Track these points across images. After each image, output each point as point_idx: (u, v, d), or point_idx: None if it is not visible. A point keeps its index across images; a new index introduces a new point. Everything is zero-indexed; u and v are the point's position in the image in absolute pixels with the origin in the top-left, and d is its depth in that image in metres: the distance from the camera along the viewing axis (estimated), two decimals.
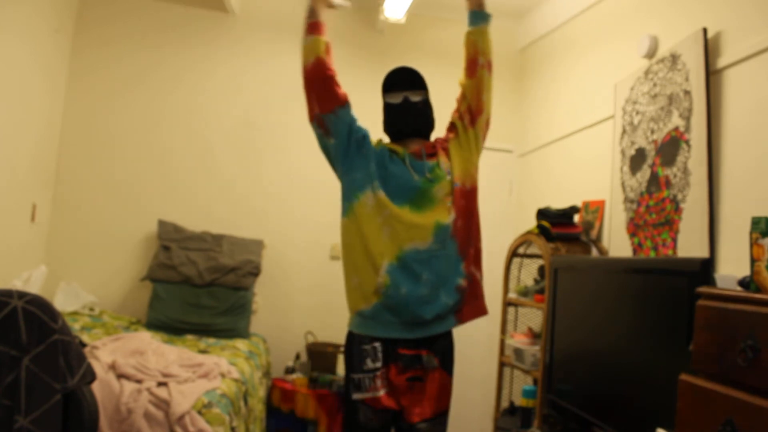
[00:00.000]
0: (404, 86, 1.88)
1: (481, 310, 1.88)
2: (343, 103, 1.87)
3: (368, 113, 3.83)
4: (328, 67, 1.88)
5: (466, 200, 1.87)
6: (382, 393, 1.75)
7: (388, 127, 1.94)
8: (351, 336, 1.83)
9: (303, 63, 1.91)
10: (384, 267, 1.74)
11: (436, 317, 1.77)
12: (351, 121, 1.88)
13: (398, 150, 1.87)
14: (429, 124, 1.95)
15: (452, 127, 1.98)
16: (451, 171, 1.87)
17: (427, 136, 1.95)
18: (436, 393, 1.80)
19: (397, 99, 1.88)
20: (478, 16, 1.93)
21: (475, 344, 4.04)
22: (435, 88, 4.49)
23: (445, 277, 1.78)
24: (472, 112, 1.93)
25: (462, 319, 1.85)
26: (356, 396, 1.76)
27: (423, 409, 1.78)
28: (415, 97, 1.87)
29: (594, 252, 2.94)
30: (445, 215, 1.80)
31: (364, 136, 1.88)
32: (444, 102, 4.23)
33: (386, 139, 2.00)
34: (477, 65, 1.90)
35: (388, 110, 1.91)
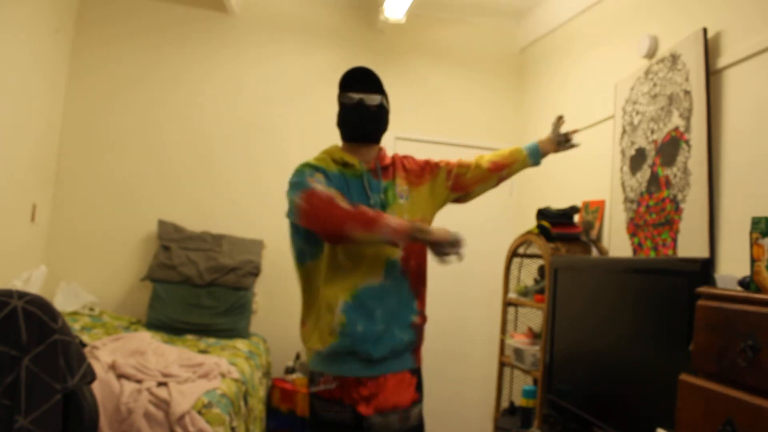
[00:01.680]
0: (361, 87, 1.80)
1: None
2: None
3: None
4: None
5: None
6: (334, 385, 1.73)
7: (341, 127, 1.86)
8: (311, 374, 1.80)
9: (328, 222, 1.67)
10: (339, 306, 1.71)
11: (391, 353, 1.74)
12: None
13: (355, 164, 1.80)
14: (382, 129, 1.85)
15: (435, 170, 1.92)
16: (409, 202, 1.82)
17: (378, 140, 1.87)
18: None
19: (352, 100, 1.79)
20: (537, 158, 2.01)
21: (475, 344, 4.04)
22: (434, 88, 4.50)
23: (397, 313, 1.75)
24: (462, 187, 1.93)
25: (417, 360, 1.83)
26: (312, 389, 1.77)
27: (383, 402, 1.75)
28: (372, 101, 1.78)
29: (594, 252, 2.94)
30: (393, 249, 1.74)
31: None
32: (442, 101, 4.26)
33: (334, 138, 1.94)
34: (500, 175, 1.96)
35: (343, 110, 1.83)
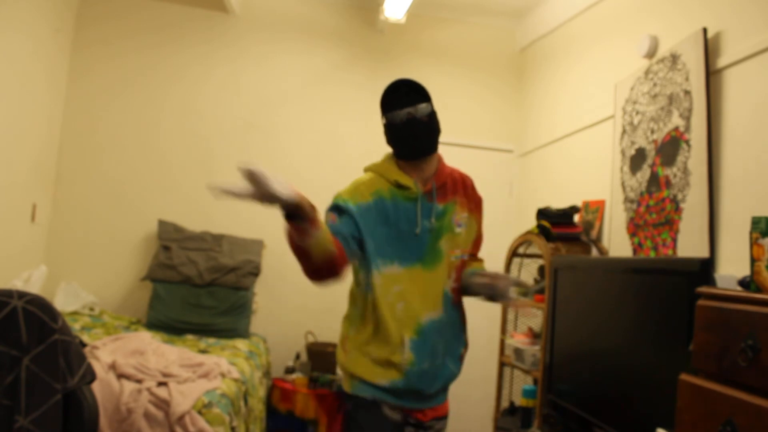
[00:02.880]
0: (406, 102, 1.64)
1: None
2: (347, 260, 1.58)
3: (367, 112, 3.91)
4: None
5: (462, 270, 1.75)
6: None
7: (394, 147, 1.71)
8: (352, 398, 1.67)
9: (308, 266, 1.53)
10: (406, 343, 1.62)
11: (443, 388, 1.72)
12: (353, 230, 1.63)
13: (410, 186, 1.66)
14: (436, 138, 1.72)
15: (480, 223, 1.81)
16: (465, 231, 1.73)
17: (435, 150, 1.74)
18: None
19: (400, 117, 1.63)
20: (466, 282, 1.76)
21: (476, 344, 4.02)
22: (434, 88, 4.48)
23: (451, 345, 1.71)
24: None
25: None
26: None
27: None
28: (421, 112, 1.64)
29: (594, 252, 2.94)
30: (447, 280, 1.69)
31: (358, 213, 1.64)
32: (442, 101, 4.24)
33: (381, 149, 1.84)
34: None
35: (392, 130, 1.67)
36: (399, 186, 1.67)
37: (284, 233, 1.43)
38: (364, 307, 1.68)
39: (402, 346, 1.61)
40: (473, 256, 1.82)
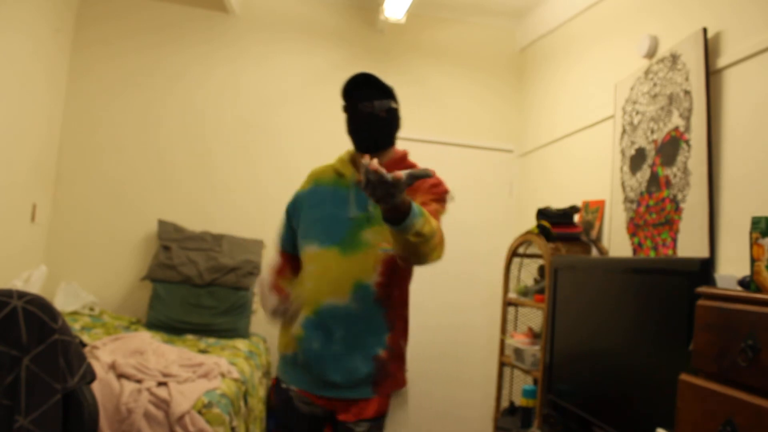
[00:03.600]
0: (365, 96, 1.69)
1: (400, 383, 1.75)
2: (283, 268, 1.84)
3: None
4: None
5: (400, 266, 1.67)
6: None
7: (351, 139, 1.77)
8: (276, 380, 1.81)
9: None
10: (301, 319, 1.68)
11: (347, 382, 1.66)
12: (289, 232, 1.86)
13: (345, 174, 1.76)
14: (394, 134, 1.78)
15: (422, 197, 1.69)
16: None
17: (387, 145, 1.76)
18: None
19: (358, 111, 1.69)
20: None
21: (475, 344, 4.04)
22: (434, 88, 4.48)
23: (361, 339, 1.65)
24: None
25: (380, 392, 1.69)
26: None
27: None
28: (379, 108, 1.68)
29: (594, 252, 2.94)
30: (370, 272, 1.63)
31: (293, 208, 1.85)
32: (442, 101, 4.26)
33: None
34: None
35: (349, 123, 1.74)
36: (339, 173, 1.78)
37: (263, 303, 1.82)
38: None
39: (299, 320, 1.69)
40: None
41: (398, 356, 1.73)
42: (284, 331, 1.77)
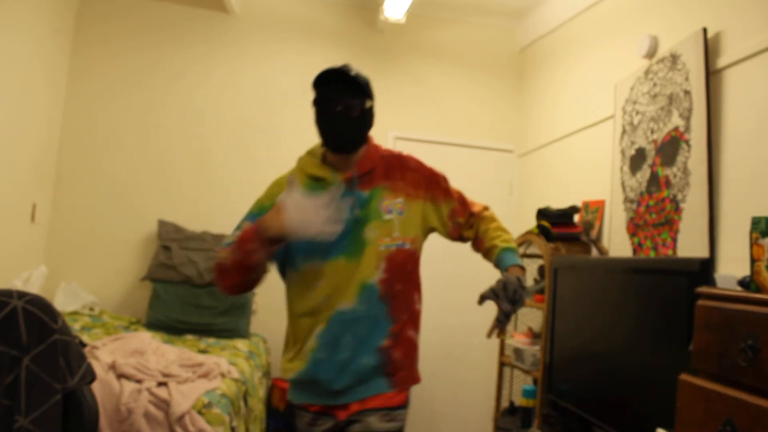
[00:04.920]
0: (338, 94, 1.54)
1: (416, 377, 1.68)
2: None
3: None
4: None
5: (405, 260, 1.61)
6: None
7: (320, 136, 1.62)
8: (289, 404, 1.72)
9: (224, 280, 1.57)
10: (315, 331, 1.58)
11: (357, 382, 1.59)
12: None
13: (326, 177, 1.61)
14: (366, 132, 1.62)
15: (438, 195, 1.68)
16: (402, 219, 1.60)
17: (363, 143, 1.63)
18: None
19: (328, 110, 1.55)
20: (500, 267, 1.65)
21: (476, 344, 4.04)
22: (433, 87, 4.48)
23: (365, 340, 1.58)
24: (458, 236, 1.72)
25: (397, 384, 1.61)
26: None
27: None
28: (352, 107, 1.54)
29: (594, 252, 2.94)
30: (373, 271, 1.57)
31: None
32: (442, 101, 4.26)
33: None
34: (475, 247, 1.75)
35: (319, 121, 1.58)
36: (315, 179, 1.62)
37: (228, 249, 1.51)
38: (288, 301, 1.67)
39: (313, 334, 1.58)
40: (473, 215, 1.71)
41: (406, 344, 1.63)
42: (293, 355, 1.65)
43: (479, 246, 1.72)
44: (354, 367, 1.58)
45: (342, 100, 1.53)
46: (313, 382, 1.59)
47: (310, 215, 1.41)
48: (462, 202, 1.71)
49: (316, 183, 1.61)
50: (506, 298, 1.51)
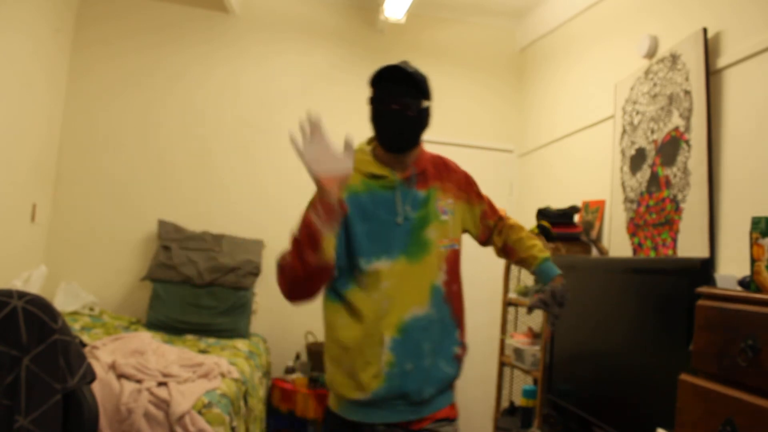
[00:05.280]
0: (399, 93, 1.52)
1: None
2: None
3: (368, 112, 3.71)
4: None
5: (456, 261, 1.62)
6: None
7: (376, 134, 1.60)
8: (336, 418, 1.55)
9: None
10: (387, 343, 1.48)
11: (438, 391, 1.56)
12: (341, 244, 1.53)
13: (386, 175, 1.56)
14: (422, 132, 1.60)
15: (473, 197, 1.69)
16: (453, 219, 1.61)
17: (418, 143, 1.60)
18: None
19: (387, 108, 1.53)
20: (543, 278, 1.67)
21: (476, 344, 4.02)
22: (434, 88, 4.46)
23: (441, 344, 1.55)
24: (486, 239, 1.74)
25: (453, 395, 1.63)
26: None
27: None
28: (413, 108, 1.52)
29: (594, 252, 2.94)
30: (436, 273, 1.55)
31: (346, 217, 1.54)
32: (442, 101, 4.24)
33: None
34: (507, 257, 1.77)
35: (376, 119, 1.56)
36: (374, 176, 1.57)
37: (296, 226, 1.38)
38: (336, 312, 1.56)
39: (382, 346, 1.48)
40: (501, 219, 1.74)
41: (466, 352, 1.64)
42: (348, 375, 1.52)
43: (511, 254, 1.74)
44: (436, 375, 1.54)
45: (399, 99, 1.51)
46: (400, 396, 1.51)
47: (326, 156, 1.48)
48: (491, 205, 1.75)
49: (374, 180, 1.57)
50: (556, 304, 1.59)
